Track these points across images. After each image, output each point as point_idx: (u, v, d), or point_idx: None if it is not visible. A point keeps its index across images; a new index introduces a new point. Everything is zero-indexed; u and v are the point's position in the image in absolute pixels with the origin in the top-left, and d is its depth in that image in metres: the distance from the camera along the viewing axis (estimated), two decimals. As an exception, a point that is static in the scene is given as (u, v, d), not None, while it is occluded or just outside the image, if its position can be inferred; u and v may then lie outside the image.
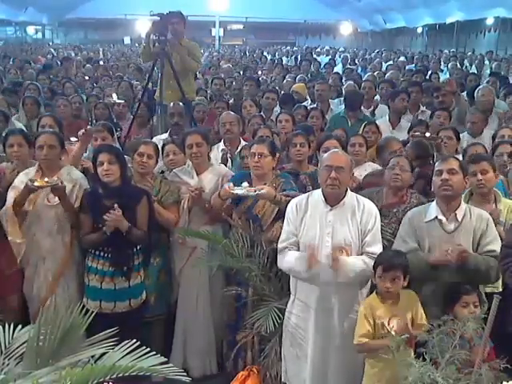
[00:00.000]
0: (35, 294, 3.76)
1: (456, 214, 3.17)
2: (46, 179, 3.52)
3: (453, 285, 3.05)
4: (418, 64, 13.54)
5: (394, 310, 2.98)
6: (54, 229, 3.69)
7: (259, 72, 11.40)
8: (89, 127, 4.29)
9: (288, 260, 3.21)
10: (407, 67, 12.58)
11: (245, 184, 3.57)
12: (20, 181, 3.75)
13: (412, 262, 3.08)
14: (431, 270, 3.10)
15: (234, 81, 8.73)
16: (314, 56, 16.72)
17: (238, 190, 3.53)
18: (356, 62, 14.85)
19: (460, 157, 4.03)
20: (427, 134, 4.55)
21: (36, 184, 3.48)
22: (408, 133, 5.12)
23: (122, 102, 6.37)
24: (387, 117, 5.90)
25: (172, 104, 5.36)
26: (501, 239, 3.20)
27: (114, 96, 6.38)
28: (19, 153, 3.99)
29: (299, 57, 16.87)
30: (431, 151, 4.41)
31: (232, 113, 5.14)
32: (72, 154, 4.13)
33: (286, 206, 3.35)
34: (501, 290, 3.44)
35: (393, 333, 2.84)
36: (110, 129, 4.52)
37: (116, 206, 3.46)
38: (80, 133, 4.17)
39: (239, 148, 4.66)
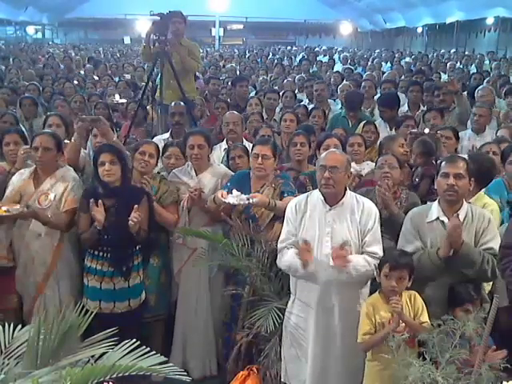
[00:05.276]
0: (26, 294, 3.77)
1: (458, 215, 3.14)
2: (5, 208, 3.39)
3: (458, 289, 3.05)
4: (418, 64, 13.52)
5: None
6: (43, 231, 3.68)
7: (253, 77, 10.99)
8: (84, 116, 4.21)
9: (286, 258, 3.20)
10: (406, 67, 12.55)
11: (235, 192, 3.49)
12: (13, 181, 3.74)
13: (421, 259, 3.09)
14: (442, 264, 3.07)
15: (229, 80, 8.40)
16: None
17: (230, 199, 3.47)
18: (355, 61, 14.81)
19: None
20: (426, 130, 4.61)
21: None
22: (396, 128, 5.13)
23: (125, 101, 6.36)
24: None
25: (173, 103, 5.35)
26: None
27: (117, 96, 6.38)
28: (15, 151, 3.96)
29: (293, 57, 16.77)
30: (436, 150, 4.41)
31: (236, 112, 5.11)
32: (69, 146, 4.05)
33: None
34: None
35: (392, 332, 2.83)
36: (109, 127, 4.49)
37: (136, 207, 3.46)
38: (77, 123, 4.10)
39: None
